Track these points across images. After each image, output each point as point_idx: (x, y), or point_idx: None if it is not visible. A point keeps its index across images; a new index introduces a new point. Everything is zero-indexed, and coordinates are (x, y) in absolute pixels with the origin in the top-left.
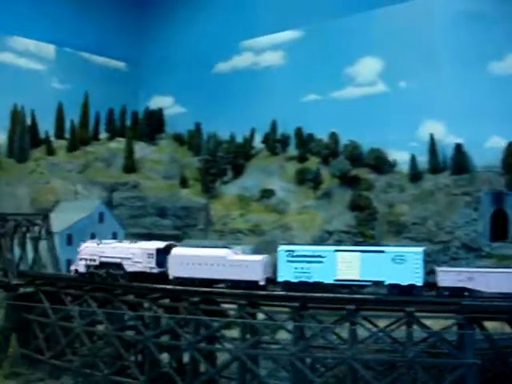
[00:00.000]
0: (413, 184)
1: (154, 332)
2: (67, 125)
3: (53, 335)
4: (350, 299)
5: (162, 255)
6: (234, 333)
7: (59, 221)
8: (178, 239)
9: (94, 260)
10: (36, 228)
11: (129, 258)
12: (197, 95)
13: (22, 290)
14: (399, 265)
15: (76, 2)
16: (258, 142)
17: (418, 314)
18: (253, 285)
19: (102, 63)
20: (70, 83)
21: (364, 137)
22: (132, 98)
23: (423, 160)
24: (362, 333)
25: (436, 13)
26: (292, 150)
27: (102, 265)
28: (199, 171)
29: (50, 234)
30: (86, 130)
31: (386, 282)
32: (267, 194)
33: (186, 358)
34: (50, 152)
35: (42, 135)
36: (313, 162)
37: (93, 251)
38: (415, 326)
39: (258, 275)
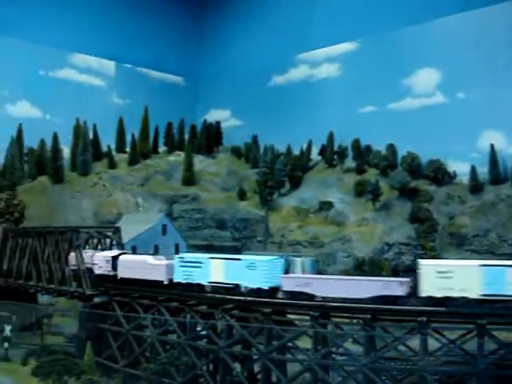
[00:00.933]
0: (473, 195)
1: (228, 342)
2: (128, 139)
3: (126, 344)
4: (420, 311)
5: (116, 261)
6: (303, 343)
7: (124, 233)
8: (238, 251)
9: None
10: (107, 240)
11: (96, 264)
12: (253, 108)
13: (96, 299)
14: (252, 271)
15: (135, 19)
16: (314, 154)
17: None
18: (159, 283)
19: (160, 78)
20: (130, 98)
21: (422, 148)
22: (189, 111)
23: (483, 171)
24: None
25: (494, 23)
26: (349, 162)
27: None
28: (257, 183)
29: (120, 245)
30: (146, 144)
31: (242, 285)
32: (326, 206)
33: (255, 367)
34: (112, 165)
35: (104, 149)
36: (371, 174)
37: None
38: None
39: (162, 276)
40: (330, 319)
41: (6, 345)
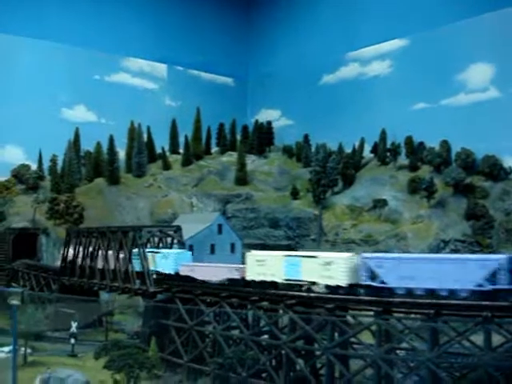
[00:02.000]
0: None
1: (291, 337)
2: (181, 140)
3: (189, 339)
4: (484, 306)
5: None
6: (363, 338)
7: None
8: (292, 249)
9: None
10: (169, 239)
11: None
12: (304, 107)
13: (159, 296)
14: (166, 260)
15: (185, 22)
16: (367, 151)
17: None
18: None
19: (211, 80)
20: (182, 100)
21: (477, 144)
22: (240, 112)
23: None
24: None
25: None
26: (402, 160)
27: None
28: (310, 182)
29: (181, 244)
30: (199, 145)
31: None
32: (380, 203)
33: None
34: (166, 167)
35: (158, 151)
36: (425, 171)
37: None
38: None
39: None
40: (392, 314)
41: (72, 341)
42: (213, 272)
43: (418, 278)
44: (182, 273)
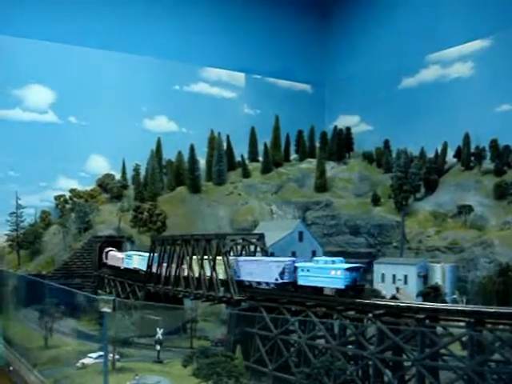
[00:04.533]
0: None
1: (379, 348)
2: (260, 148)
3: (274, 348)
4: None
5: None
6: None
7: None
8: (373, 257)
9: None
10: (252, 246)
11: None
12: (383, 112)
13: (243, 304)
14: (143, 261)
15: (261, 31)
16: (450, 156)
17: None
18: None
19: (288, 87)
20: (260, 108)
21: None
22: (319, 118)
23: None
24: None
25: None
26: (488, 164)
27: None
28: (391, 188)
29: (265, 252)
30: (278, 152)
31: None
32: (465, 209)
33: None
34: (246, 174)
35: (237, 159)
36: (511, 176)
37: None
38: None
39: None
40: (484, 325)
41: (158, 347)
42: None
43: (253, 274)
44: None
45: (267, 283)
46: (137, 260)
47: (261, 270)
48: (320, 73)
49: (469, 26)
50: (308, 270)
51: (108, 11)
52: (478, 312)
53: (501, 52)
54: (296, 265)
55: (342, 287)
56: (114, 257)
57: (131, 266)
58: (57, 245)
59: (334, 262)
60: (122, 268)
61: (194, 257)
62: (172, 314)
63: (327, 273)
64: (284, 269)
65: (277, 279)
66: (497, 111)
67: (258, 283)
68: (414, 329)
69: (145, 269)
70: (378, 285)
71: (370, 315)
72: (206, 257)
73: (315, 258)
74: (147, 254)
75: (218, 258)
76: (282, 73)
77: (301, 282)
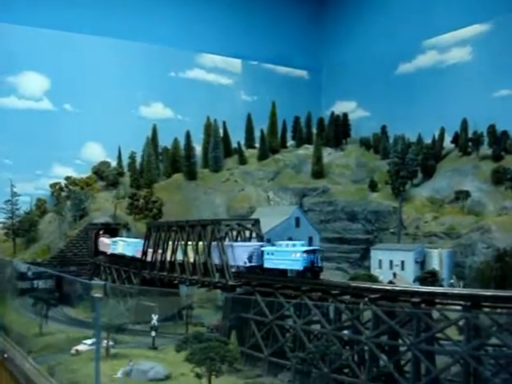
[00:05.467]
0: None
1: (375, 332)
2: (256, 134)
3: (270, 334)
4: None
5: None
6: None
7: None
8: (370, 243)
9: None
10: (247, 232)
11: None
12: (380, 98)
13: (238, 290)
14: (128, 246)
15: (258, 16)
16: (447, 141)
17: None
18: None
19: (285, 73)
20: (257, 95)
21: None
22: (315, 104)
23: None
24: None
25: None
26: (485, 149)
27: None
28: (388, 174)
29: (260, 237)
30: (274, 139)
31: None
32: (462, 195)
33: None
34: (242, 161)
35: (234, 145)
36: (509, 161)
37: None
38: None
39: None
40: (481, 309)
41: (153, 333)
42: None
43: (232, 258)
44: (136, 255)
45: (238, 266)
46: (121, 246)
47: (232, 255)
48: (317, 59)
49: (467, 11)
50: (273, 254)
51: None
52: (474, 295)
53: (500, 36)
54: (262, 249)
55: (301, 269)
56: (103, 243)
57: (116, 252)
58: (52, 233)
59: (294, 245)
60: (108, 254)
61: (190, 243)
62: (167, 300)
63: (289, 256)
64: (252, 253)
65: (245, 263)
66: (495, 96)
67: (231, 266)
68: (409, 311)
69: (130, 254)
70: (375, 271)
71: (366, 299)
72: (200, 243)
73: (279, 242)
74: (132, 240)
75: (190, 243)
76: (279, 59)
77: (266, 265)
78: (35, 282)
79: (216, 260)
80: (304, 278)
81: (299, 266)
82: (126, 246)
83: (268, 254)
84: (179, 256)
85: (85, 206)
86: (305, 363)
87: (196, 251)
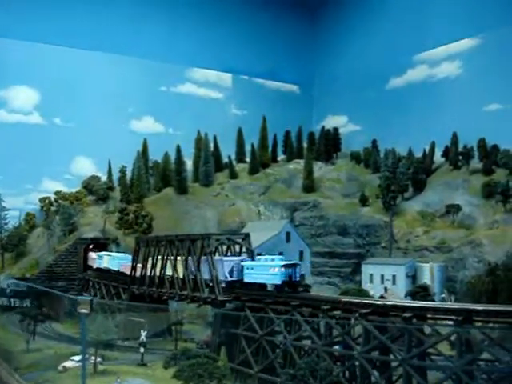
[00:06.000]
0: None
1: (366, 348)
2: (247, 148)
3: (260, 349)
4: None
5: None
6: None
7: None
8: (361, 257)
9: None
10: (237, 246)
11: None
12: (371, 112)
13: (228, 305)
14: (113, 260)
15: (249, 31)
16: (438, 155)
17: None
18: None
19: (276, 88)
20: (247, 109)
21: None
22: (306, 119)
23: None
24: None
25: None
26: (476, 163)
27: None
28: (379, 188)
29: (250, 251)
30: (265, 153)
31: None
32: (453, 209)
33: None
34: (233, 175)
35: (225, 160)
36: (500, 175)
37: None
38: None
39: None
40: (473, 324)
41: (142, 349)
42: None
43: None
44: (121, 269)
45: (221, 281)
46: (106, 260)
47: (216, 269)
48: (307, 73)
49: (456, 25)
50: (252, 269)
51: (94, 12)
52: (465, 310)
53: (489, 51)
54: (242, 264)
55: (279, 283)
56: (91, 257)
57: (102, 266)
58: (41, 247)
59: (273, 259)
60: (95, 268)
61: (179, 258)
62: (157, 316)
63: (268, 270)
64: (232, 267)
65: (226, 277)
66: (485, 110)
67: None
68: (400, 326)
69: (115, 268)
70: (366, 285)
71: (357, 315)
72: (190, 258)
73: (258, 257)
74: (116, 254)
75: (178, 257)
76: (270, 73)
77: (246, 279)
78: (12, 300)
79: (205, 275)
80: (282, 292)
81: (277, 281)
82: (111, 260)
83: (248, 268)
84: (168, 271)
85: (74, 220)
86: (294, 379)
87: (185, 266)
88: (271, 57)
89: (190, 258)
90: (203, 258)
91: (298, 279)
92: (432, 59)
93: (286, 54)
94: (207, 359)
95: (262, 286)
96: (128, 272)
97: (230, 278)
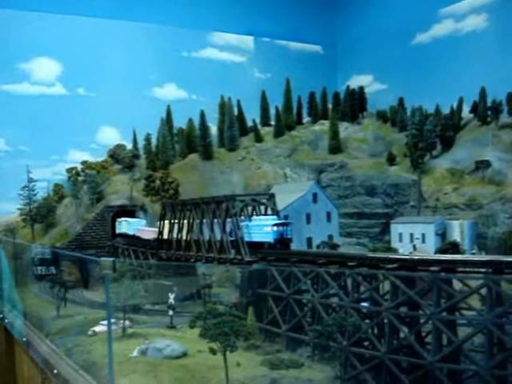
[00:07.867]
0: None
1: (393, 303)
2: (272, 112)
3: (287, 309)
4: None
5: None
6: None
7: None
8: (390, 217)
9: None
10: (262, 207)
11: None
12: (397, 70)
13: (254, 265)
14: (129, 225)
15: None
16: (466, 111)
17: None
18: None
19: (299, 49)
20: (271, 72)
21: None
22: (331, 79)
23: None
24: None
25: None
26: (505, 117)
27: None
28: (407, 147)
29: (276, 212)
30: (290, 116)
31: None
32: (483, 165)
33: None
34: (258, 139)
35: (249, 124)
36: None
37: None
38: None
39: None
40: (503, 275)
41: (170, 312)
42: (148, 233)
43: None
44: (135, 233)
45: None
46: (124, 225)
47: (217, 230)
48: (331, 33)
49: None
50: (249, 228)
51: None
52: (495, 262)
53: None
54: (241, 224)
55: (272, 241)
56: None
57: (121, 231)
58: (70, 217)
59: (267, 219)
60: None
61: (204, 220)
62: (185, 280)
63: (262, 229)
64: (231, 228)
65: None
66: None
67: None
68: (428, 279)
69: (131, 233)
70: (395, 244)
71: (384, 270)
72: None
73: (254, 218)
74: (133, 220)
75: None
76: (292, 35)
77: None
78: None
79: (229, 236)
80: (274, 249)
81: (270, 239)
82: (127, 225)
83: (246, 228)
84: (195, 234)
85: (101, 189)
86: (322, 337)
87: (211, 228)
88: (293, 18)
89: (215, 220)
90: (228, 219)
91: (289, 236)
92: (457, 13)
93: (308, 14)
94: (233, 317)
95: (259, 244)
96: (143, 236)
97: (230, 238)
